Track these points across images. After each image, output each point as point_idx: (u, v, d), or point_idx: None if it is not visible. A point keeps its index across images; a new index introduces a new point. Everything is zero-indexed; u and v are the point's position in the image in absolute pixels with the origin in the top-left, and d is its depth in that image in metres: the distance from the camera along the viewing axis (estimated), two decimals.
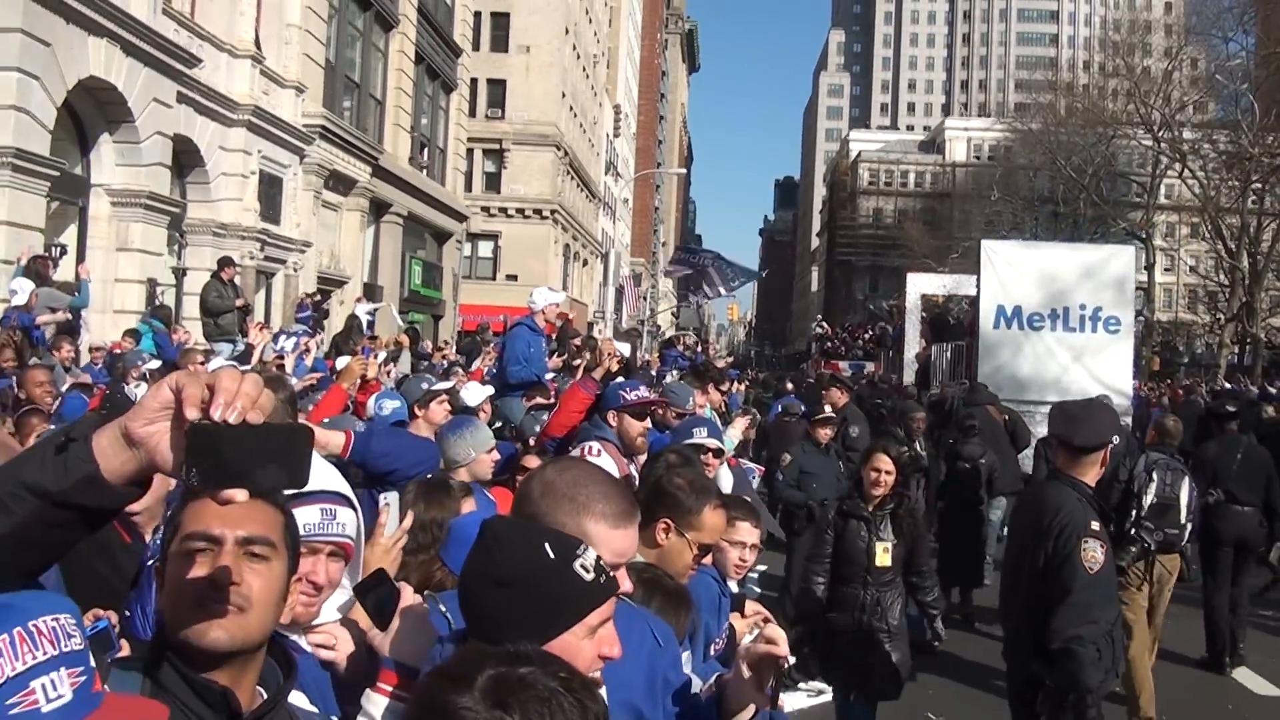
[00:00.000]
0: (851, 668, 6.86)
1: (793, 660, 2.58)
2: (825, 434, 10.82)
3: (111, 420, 1.68)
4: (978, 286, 20.08)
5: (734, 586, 4.53)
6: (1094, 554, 5.16)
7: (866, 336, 38.52)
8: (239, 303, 16.77)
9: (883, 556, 6.78)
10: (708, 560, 3.84)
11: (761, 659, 2.56)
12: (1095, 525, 5.26)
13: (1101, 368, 18.61)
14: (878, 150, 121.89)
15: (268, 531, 1.97)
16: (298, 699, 2.19)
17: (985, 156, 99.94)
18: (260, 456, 1.59)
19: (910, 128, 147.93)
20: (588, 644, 2.12)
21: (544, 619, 2.13)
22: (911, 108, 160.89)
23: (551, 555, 2.13)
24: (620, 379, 7.36)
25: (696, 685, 2.92)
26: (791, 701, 8.28)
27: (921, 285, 27.92)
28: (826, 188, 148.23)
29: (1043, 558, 5.31)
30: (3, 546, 1.65)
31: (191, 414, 1.59)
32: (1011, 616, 5.90)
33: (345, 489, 2.56)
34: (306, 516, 2.37)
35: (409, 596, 2.43)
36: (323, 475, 2.50)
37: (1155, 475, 8.55)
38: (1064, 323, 18.93)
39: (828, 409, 11.42)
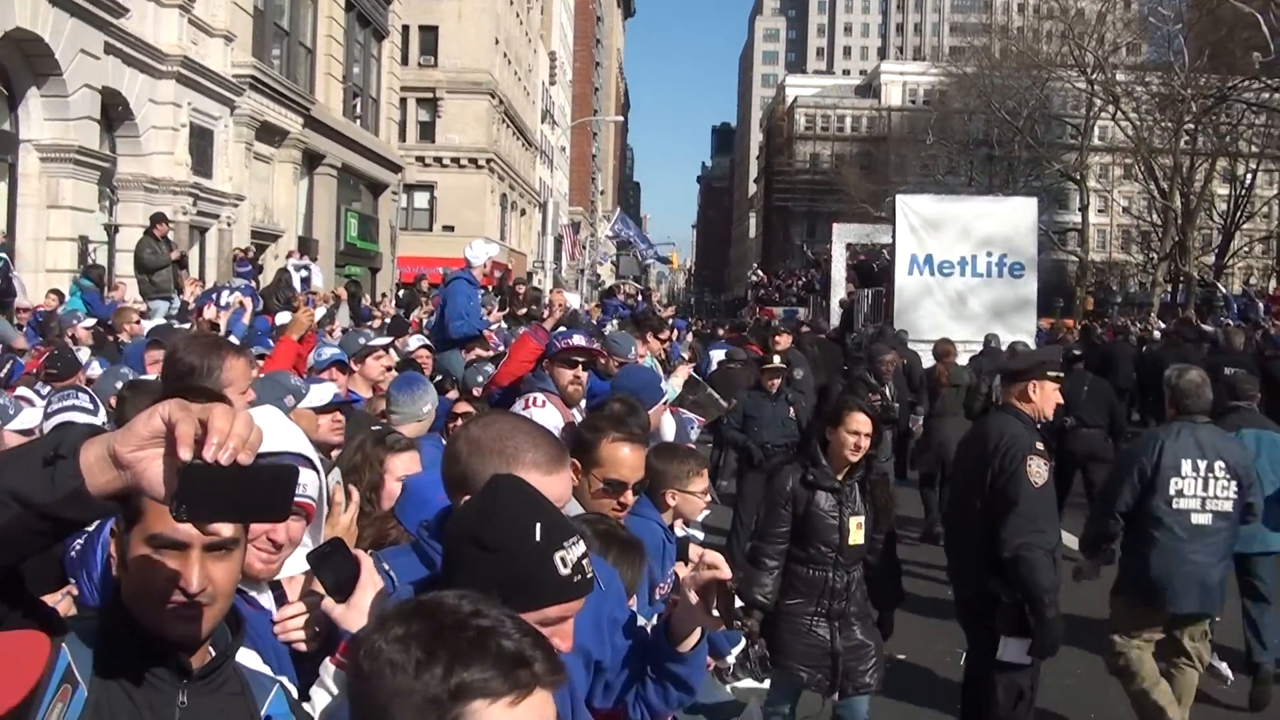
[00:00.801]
0: (813, 660, 5.96)
1: (726, 575, 2.62)
2: (774, 383, 10.87)
3: (96, 433, 1.70)
4: (893, 237, 21.90)
5: (679, 530, 4.62)
6: (1037, 470, 5.67)
7: (800, 283, 39.30)
8: (174, 255, 16.56)
9: (856, 534, 5.89)
10: (628, 498, 3.88)
11: (705, 584, 2.63)
12: (1039, 445, 5.80)
13: (1007, 308, 20.60)
14: (814, 95, 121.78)
15: (233, 532, 2.01)
16: (249, 658, 2.22)
17: (921, 101, 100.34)
18: (248, 495, 1.66)
19: (846, 72, 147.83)
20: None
21: (506, 593, 2.14)
22: (847, 52, 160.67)
23: (537, 538, 2.15)
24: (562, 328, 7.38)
25: (641, 622, 2.98)
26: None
27: (846, 235, 30.09)
28: (763, 134, 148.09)
29: (989, 477, 5.84)
30: None
31: (185, 455, 1.62)
32: (960, 540, 6.49)
33: (308, 449, 2.58)
34: None
35: (368, 568, 2.41)
36: (286, 436, 2.52)
37: None
38: (972, 269, 20.92)
39: (776, 359, 11.42)
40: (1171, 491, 6.64)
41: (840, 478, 5.87)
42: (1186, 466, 6.63)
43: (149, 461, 1.65)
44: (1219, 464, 6.64)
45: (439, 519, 2.73)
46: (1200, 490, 6.62)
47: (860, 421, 5.76)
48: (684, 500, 4.58)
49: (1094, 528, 7.17)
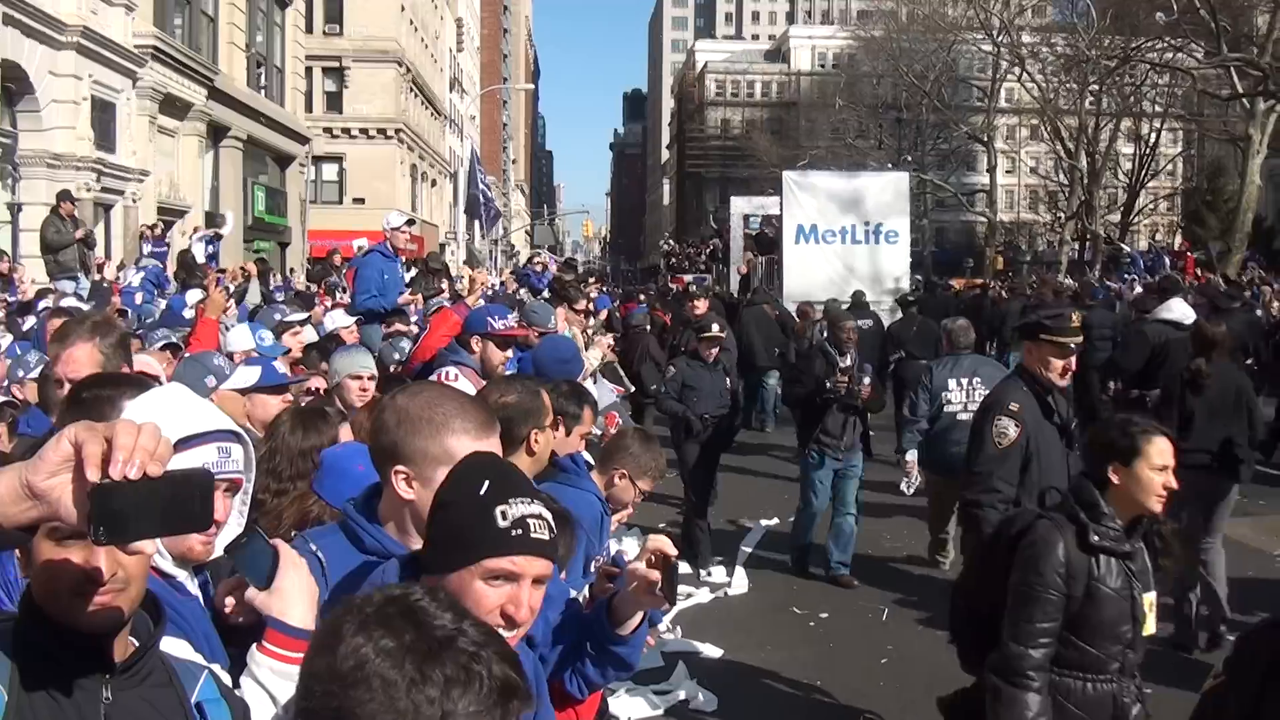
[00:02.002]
0: None
1: (674, 555, 2.65)
2: (712, 352, 10.73)
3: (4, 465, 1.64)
4: (780, 209, 24.51)
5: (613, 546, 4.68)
6: (1003, 430, 5.61)
7: (708, 252, 40.43)
8: (79, 234, 16.19)
9: (1150, 618, 4.18)
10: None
11: (652, 574, 2.64)
12: (1014, 406, 5.65)
13: (883, 271, 23.23)
14: (724, 60, 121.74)
15: None
16: (176, 646, 2.18)
17: (830, 65, 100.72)
18: (167, 507, 1.62)
19: (755, 37, 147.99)
20: (486, 590, 2.14)
21: (447, 548, 2.18)
22: (756, 17, 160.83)
23: (482, 492, 2.16)
24: (486, 305, 7.32)
25: (573, 594, 3.00)
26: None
27: (742, 207, 32.73)
28: (675, 100, 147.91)
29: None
30: None
31: (93, 475, 1.58)
32: None
33: (226, 423, 2.55)
34: (205, 456, 2.39)
35: (286, 552, 2.39)
36: (201, 415, 2.50)
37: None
38: (851, 236, 23.50)
39: (715, 327, 11.22)
40: (943, 399, 9.54)
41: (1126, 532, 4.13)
42: (953, 384, 9.57)
43: (63, 489, 1.61)
44: (977, 379, 9.47)
45: (366, 496, 2.72)
46: (964, 398, 9.41)
47: (1165, 452, 4.05)
48: (624, 489, 4.63)
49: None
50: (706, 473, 10.79)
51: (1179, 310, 11.76)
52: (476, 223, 67.45)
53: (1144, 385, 10.86)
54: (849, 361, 9.74)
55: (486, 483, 2.18)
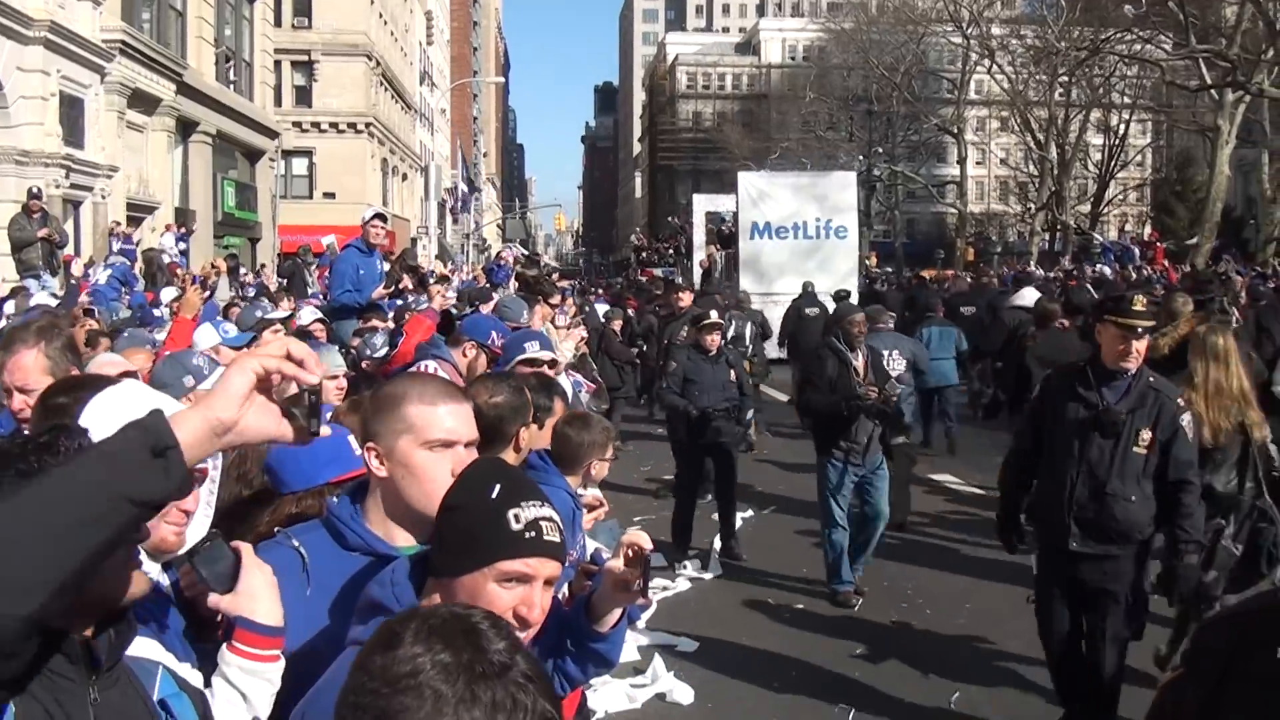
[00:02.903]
0: None
1: (649, 549, 2.68)
2: (713, 340, 10.53)
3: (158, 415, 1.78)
4: (737, 207, 26.80)
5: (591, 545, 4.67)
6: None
7: (674, 247, 41.34)
8: (41, 233, 16.06)
9: None
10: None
11: (631, 562, 2.67)
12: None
13: (833, 265, 24.80)
14: (694, 53, 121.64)
15: None
16: (142, 643, 2.17)
17: (800, 57, 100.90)
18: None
19: (726, 30, 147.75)
20: (500, 592, 2.17)
21: (458, 551, 2.20)
22: (726, 9, 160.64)
23: (493, 495, 2.19)
24: (491, 316, 7.25)
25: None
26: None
27: (705, 205, 34.03)
28: (646, 92, 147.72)
29: None
30: (94, 563, 1.66)
31: (312, 378, 1.93)
32: None
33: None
34: None
35: (248, 555, 2.40)
36: (171, 407, 2.49)
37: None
38: (803, 233, 25.59)
39: (714, 314, 11.22)
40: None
41: None
42: (884, 354, 10.42)
43: (253, 414, 1.85)
44: (895, 352, 11.10)
45: (351, 492, 2.75)
46: (892, 366, 10.42)
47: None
48: (599, 468, 4.68)
49: None
50: (726, 473, 10.69)
51: (1029, 296, 14.58)
52: (449, 216, 67.31)
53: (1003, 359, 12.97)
54: (860, 359, 9.16)
55: (497, 486, 2.21)
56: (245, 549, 2.42)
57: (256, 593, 2.36)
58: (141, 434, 1.73)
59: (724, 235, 30.63)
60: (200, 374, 4.63)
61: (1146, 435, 5.69)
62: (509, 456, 3.76)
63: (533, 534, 2.18)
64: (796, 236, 25.66)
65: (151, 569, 2.43)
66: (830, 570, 9.10)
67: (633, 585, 2.66)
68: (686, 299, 14.20)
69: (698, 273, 30.23)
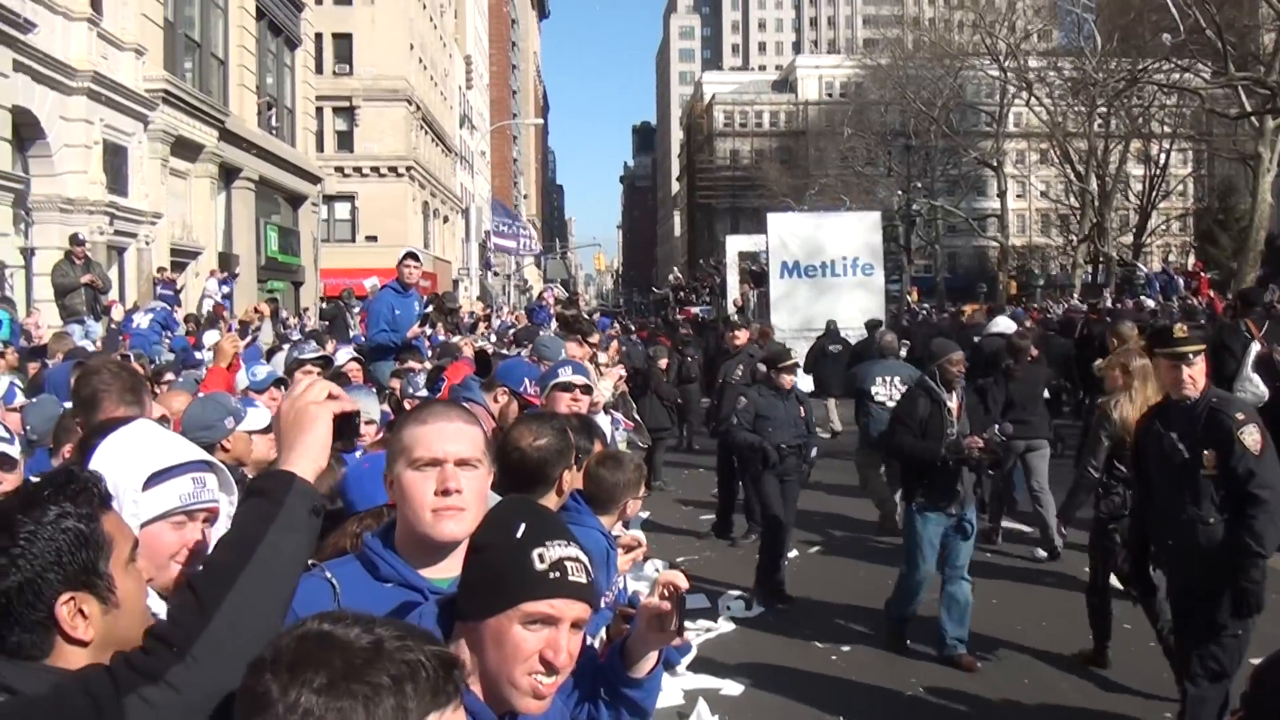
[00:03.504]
0: None
1: (685, 587, 2.60)
2: (789, 380, 10.45)
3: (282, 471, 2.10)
4: (766, 248, 27.84)
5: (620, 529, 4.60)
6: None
7: (711, 286, 41.85)
8: (85, 279, 16.20)
9: None
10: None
11: (664, 605, 2.58)
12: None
13: (860, 301, 25.35)
14: (731, 92, 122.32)
15: None
16: None
17: (837, 93, 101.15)
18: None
19: (762, 68, 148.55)
20: (525, 635, 2.11)
21: (483, 593, 2.15)
22: (763, 47, 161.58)
23: (518, 534, 2.14)
24: (526, 362, 7.17)
25: (589, 640, 2.93)
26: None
27: (738, 245, 34.99)
28: (683, 131, 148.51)
29: None
30: None
31: (349, 406, 2.27)
32: None
33: (206, 455, 2.60)
34: (181, 488, 2.45)
35: None
36: (183, 447, 2.54)
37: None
38: (830, 271, 26.45)
39: (793, 355, 11.21)
40: (872, 393, 12.42)
41: None
42: (879, 381, 12.44)
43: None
44: (897, 379, 12.25)
45: (385, 528, 2.72)
46: (887, 392, 12.16)
47: None
48: (632, 506, 4.60)
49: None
50: (789, 506, 10.52)
51: (1003, 324, 15.48)
52: (490, 257, 67.64)
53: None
54: (955, 400, 8.45)
55: (523, 525, 2.16)
56: None
57: None
58: (305, 500, 2.04)
59: (756, 274, 31.43)
60: (239, 415, 4.63)
61: (1210, 456, 5.73)
62: (551, 499, 3.70)
63: (557, 574, 2.12)
64: (825, 275, 26.52)
65: (160, 607, 2.41)
66: (891, 615, 8.66)
67: (668, 625, 2.57)
68: (742, 337, 14.07)
69: (731, 311, 30.33)
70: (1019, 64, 54.96)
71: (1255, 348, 11.54)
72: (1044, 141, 63.07)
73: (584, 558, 2.19)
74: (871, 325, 17.41)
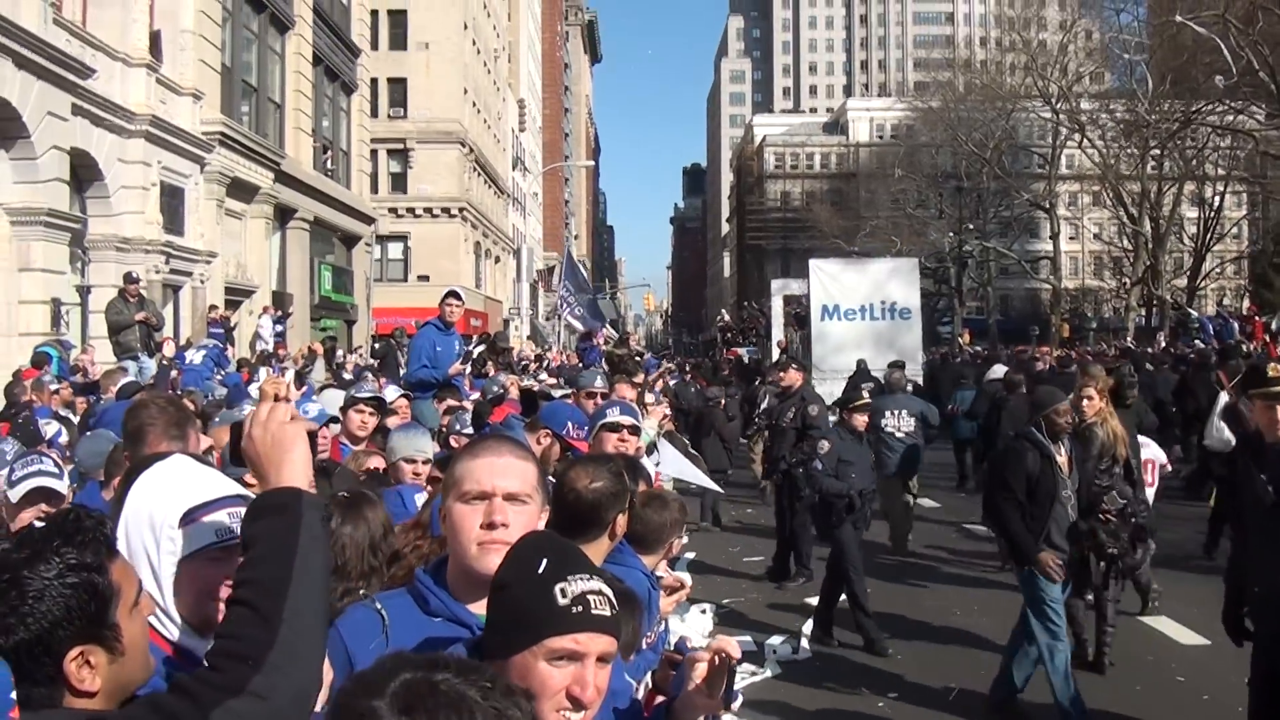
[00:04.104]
0: None
1: (737, 657, 2.55)
2: (862, 421, 10.31)
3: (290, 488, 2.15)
4: (808, 292, 29.10)
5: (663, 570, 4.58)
6: None
7: (756, 328, 43.60)
8: (139, 317, 16.42)
9: None
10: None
11: (716, 668, 2.53)
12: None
13: (898, 344, 26.20)
14: (782, 134, 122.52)
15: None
16: None
17: (888, 136, 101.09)
18: None
19: (813, 110, 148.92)
20: (551, 672, 2.09)
21: (507, 630, 2.14)
22: (814, 90, 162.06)
23: (540, 569, 2.13)
24: (571, 405, 7.19)
25: (632, 686, 2.91)
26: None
27: (783, 289, 36.05)
28: (734, 173, 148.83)
29: None
30: None
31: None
32: None
33: (244, 490, 2.59)
34: (218, 523, 2.43)
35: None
36: (220, 482, 2.54)
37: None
38: (870, 314, 27.42)
39: (865, 394, 11.01)
40: (882, 425, 13.66)
41: None
42: (889, 415, 13.95)
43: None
44: (904, 411, 14.12)
45: (438, 562, 2.74)
46: (895, 424, 13.98)
47: None
48: (675, 546, 4.57)
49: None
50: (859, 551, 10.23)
51: (999, 371, 18.10)
52: (539, 298, 67.90)
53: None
54: (1064, 454, 7.60)
55: (544, 560, 2.14)
56: None
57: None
58: (316, 510, 2.11)
59: (799, 317, 32.45)
60: None
61: None
62: (603, 543, 3.68)
63: (580, 608, 2.10)
64: (863, 318, 27.47)
65: (196, 645, 2.42)
66: (1061, 697, 7.41)
67: (715, 691, 2.52)
68: (793, 378, 13.88)
69: (775, 352, 31.40)
70: (1071, 106, 54.69)
71: (1224, 397, 12.55)
72: (1097, 183, 62.52)
73: (607, 590, 2.16)
74: (895, 365, 17.81)
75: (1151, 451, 10.35)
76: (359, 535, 3.71)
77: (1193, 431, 17.88)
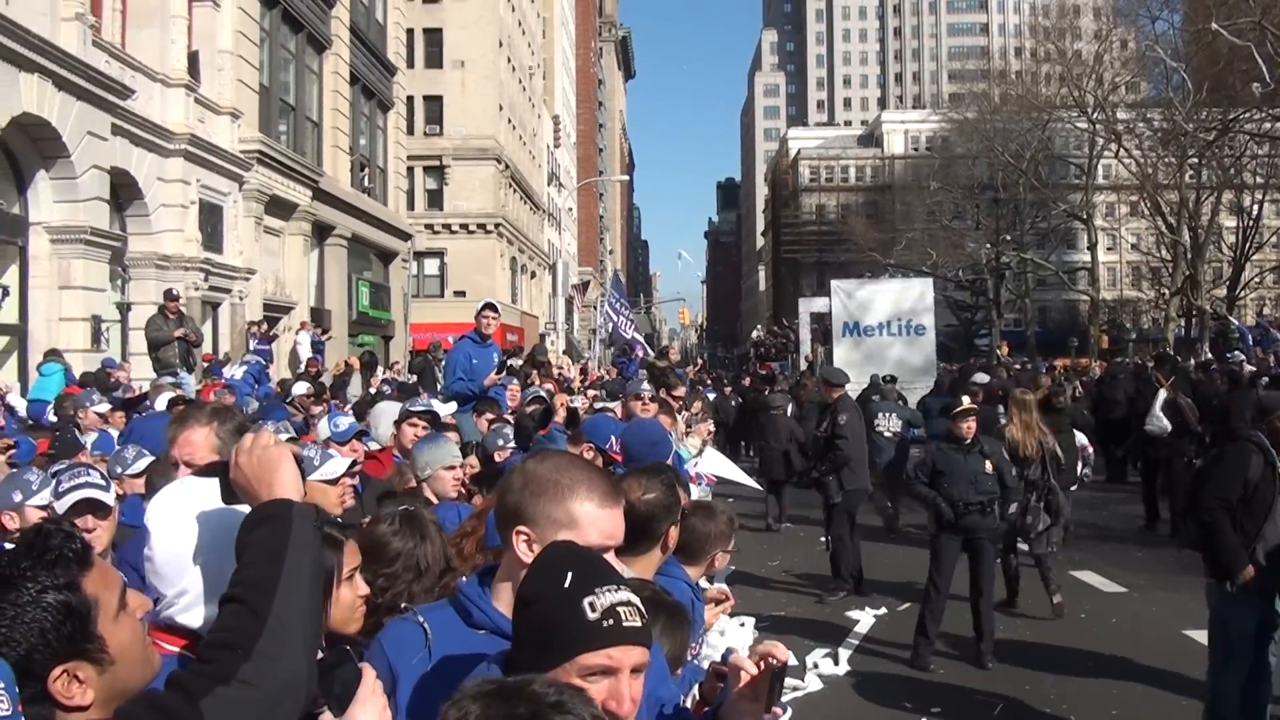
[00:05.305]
0: None
1: (782, 660, 2.48)
2: (968, 427, 9.86)
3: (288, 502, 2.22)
4: (829, 310, 30.88)
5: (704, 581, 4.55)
6: None
7: (786, 344, 45.35)
8: (178, 333, 16.54)
9: None
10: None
11: (759, 673, 2.47)
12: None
13: (913, 358, 28.38)
14: (816, 147, 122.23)
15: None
16: None
17: (923, 147, 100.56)
18: None
19: (848, 123, 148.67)
20: (588, 688, 2.03)
21: (537, 648, 2.09)
22: (848, 103, 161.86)
23: (566, 584, 2.08)
24: (613, 418, 7.17)
25: (680, 694, 2.87)
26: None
27: (810, 306, 38.05)
28: (768, 187, 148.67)
29: None
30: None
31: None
32: None
33: None
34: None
35: (370, 679, 2.34)
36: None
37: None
38: (887, 330, 28.99)
39: (966, 400, 10.78)
40: (875, 425, 16.11)
41: None
42: (880, 417, 16.90)
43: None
44: (893, 415, 17.24)
45: (481, 572, 2.71)
46: (885, 425, 16.83)
47: None
48: (721, 560, 4.52)
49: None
50: (982, 568, 9.80)
51: (981, 378, 19.27)
52: (574, 312, 68.05)
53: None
54: None
55: (570, 574, 2.09)
56: (367, 674, 2.35)
57: None
58: (307, 518, 2.18)
59: (825, 333, 33.89)
60: (311, 465, 4.66)
61: None
62: (655, 556, 3.65)
63: (611, 621, 2.06)
64: (882, 334, 29.00)
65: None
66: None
67: (760, 695, 2.46)
68: (834, 392, 13.72)
69: (803, 366, 34.23)
70: (1107, 116, 54.23)
71: (1163, 393, 15.83)
72: (1134, 193, 61.93)
73: (635, 599, 2.11)
74: (886, 380, 20.55)
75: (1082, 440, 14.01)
76: (408, 548, 3.70)
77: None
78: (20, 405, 13.58)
